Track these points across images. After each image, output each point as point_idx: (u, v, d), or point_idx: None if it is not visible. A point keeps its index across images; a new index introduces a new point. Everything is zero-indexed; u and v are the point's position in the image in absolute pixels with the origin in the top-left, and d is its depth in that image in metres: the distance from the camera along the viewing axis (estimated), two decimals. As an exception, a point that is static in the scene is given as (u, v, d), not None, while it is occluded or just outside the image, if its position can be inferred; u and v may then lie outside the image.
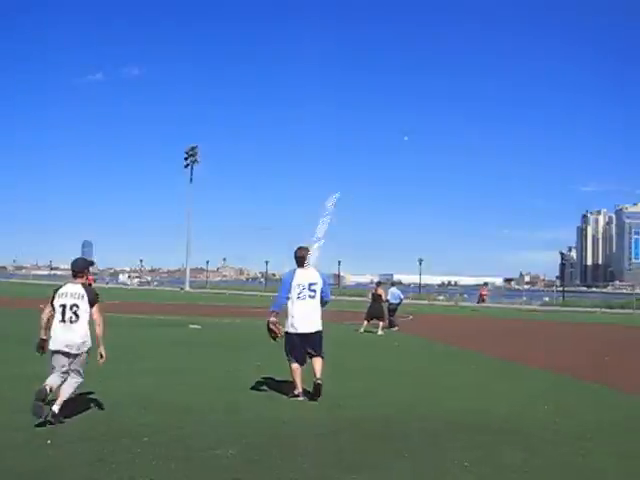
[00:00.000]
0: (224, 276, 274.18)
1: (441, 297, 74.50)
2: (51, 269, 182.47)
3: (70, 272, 7.53)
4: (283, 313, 8.98)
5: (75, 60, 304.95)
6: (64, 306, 6.98)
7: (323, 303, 9.06)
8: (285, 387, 9.15)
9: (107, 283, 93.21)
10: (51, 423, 6.55)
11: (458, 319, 35.60)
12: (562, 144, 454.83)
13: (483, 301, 49.93)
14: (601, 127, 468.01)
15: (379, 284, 25.09)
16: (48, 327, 7.01)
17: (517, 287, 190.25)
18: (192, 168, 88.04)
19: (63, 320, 6.94)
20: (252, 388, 9.43)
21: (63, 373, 6.87)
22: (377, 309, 22.65)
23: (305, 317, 8.78)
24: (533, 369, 13.58)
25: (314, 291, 8.88)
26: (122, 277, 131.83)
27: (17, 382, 9.09)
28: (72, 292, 7.07)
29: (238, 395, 8.96)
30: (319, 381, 8.65)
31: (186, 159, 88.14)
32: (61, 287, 7.28)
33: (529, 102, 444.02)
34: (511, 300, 61.40)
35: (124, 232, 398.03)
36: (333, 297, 9.60)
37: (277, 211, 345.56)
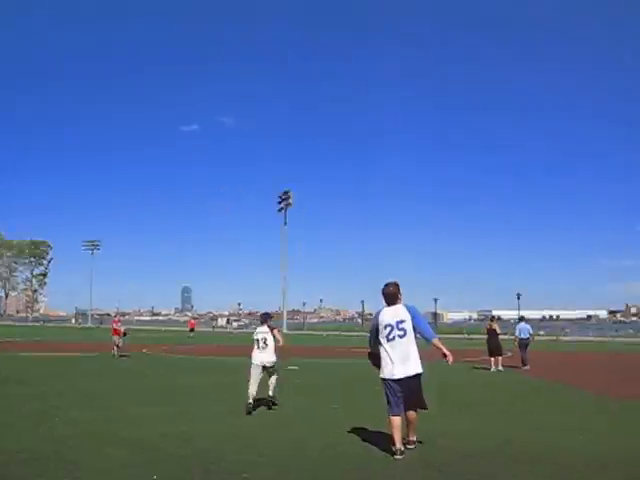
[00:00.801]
0: (321, 317, 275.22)
1: (541, 332, 72.59)
2: (153, 314, 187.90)
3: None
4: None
5: (173, 111, 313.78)
6: (258, 340, 11.81)
7: (427, 341, 7.96)
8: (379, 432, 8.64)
9: (213, 328, 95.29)
10: (274, 404, 11.76)
11: (562, 355, 34.49)
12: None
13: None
14: None
15: (493, 319, 24.04)
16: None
17: (623, 319, 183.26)
18: (286, 211, 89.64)
19: (258, 347, 11.75)
20: (349, 428, 9.31)
21: (257, 379, 11.53)
22: (493, 344, 22.01)
23: (397, 360, 7.74)
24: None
25: (403, 330, 7.82)
26: (221, 321, 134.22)
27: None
28: (262, 331, 11.88)
29: (333, 434, 8.93)
30: (411, 445, 8.00)
31: (280, 203, 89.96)
32: (257, 328, 12.26)
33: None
34: (615, 333, 59.02)
35: (221, 277, 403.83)
36: (437, 335, 8.16)
37: (372, 251, 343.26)
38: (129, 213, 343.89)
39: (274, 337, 11.80)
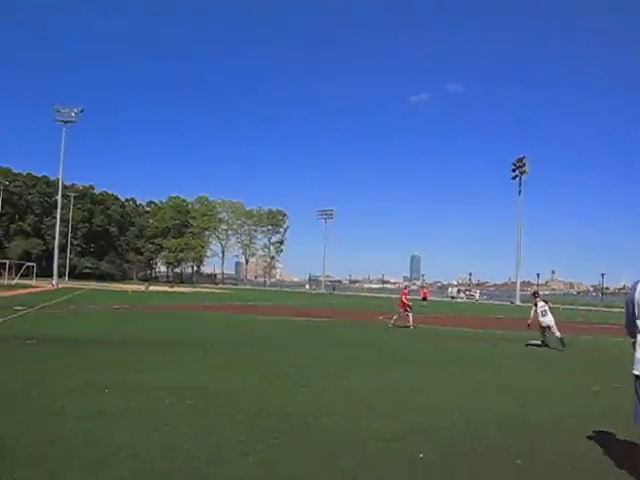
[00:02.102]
0: (553, 289, 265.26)
1: None
2: (382, 283, 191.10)
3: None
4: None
5: (402, 81, 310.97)
6: (541, 311, 19.07)
7: None
8: None
9: (452, 298, 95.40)
10: (563, 344, 18.20)
11: None
12: None
13: None
14: None
15: None
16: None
17: None
18: (521, 179, 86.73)
19: (542, 316, 18.87)
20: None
21: (544, 332, 19.21)
22: None
23: None
24: None
25: None
26: (451, 290, 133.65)
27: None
28: (542, 305, 19.03)
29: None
30: None
31: (514, 171, 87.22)
32: (538, 303, 19.29)
33: None
34: None
35: (451, 246, 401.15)
36: None
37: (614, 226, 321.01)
38: (360, 182, 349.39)
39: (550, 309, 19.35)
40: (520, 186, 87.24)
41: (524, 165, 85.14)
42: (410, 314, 25.26)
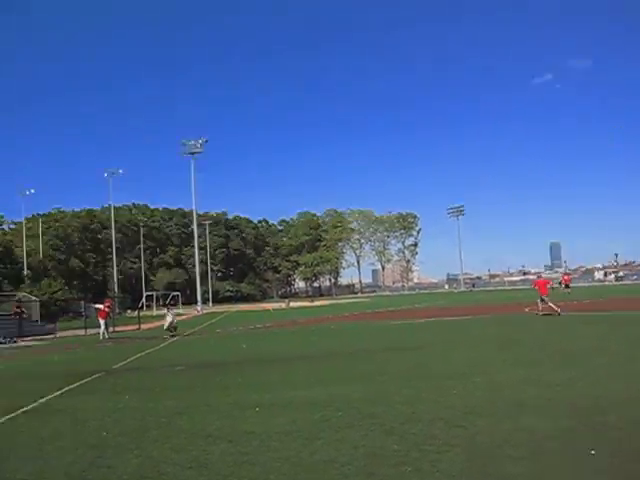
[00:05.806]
0: None
1: None
2: (523, 274, 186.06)
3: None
4: None
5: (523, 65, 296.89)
6: None
7: None
8: None
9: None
10: None
11: None
12: None
13: None
14: None
15: None
16: None
17: None
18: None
19: None
20: None
21: None
22: None
23: None
24: None
25: None
26: (597, 274, 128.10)
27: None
28: None
29: None
30: None
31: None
32: None
33: None
34: None
35: (592, 228, 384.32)
36: None
37: None
38: (488, 173, 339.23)
39: None
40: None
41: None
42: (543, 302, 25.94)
